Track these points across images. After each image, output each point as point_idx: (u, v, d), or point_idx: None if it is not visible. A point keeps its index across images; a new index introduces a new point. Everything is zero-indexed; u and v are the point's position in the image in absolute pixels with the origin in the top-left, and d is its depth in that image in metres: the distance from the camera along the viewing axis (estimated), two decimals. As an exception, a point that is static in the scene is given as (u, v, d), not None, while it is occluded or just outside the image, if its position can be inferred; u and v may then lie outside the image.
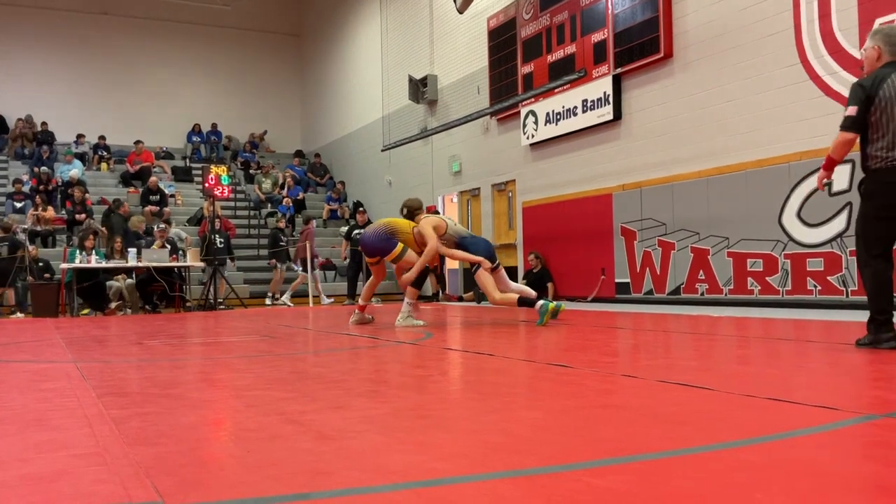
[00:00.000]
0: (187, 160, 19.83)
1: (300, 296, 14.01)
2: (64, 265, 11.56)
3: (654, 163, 10.23)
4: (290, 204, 17.04)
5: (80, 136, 18.69)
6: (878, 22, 7.61)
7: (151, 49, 20.72)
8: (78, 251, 11.58)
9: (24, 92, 19.22)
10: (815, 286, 8.16)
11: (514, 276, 11.47)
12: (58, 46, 19.83)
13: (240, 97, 21.57)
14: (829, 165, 4.17)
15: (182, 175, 18.88)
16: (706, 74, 9.46)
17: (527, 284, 9.36)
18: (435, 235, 6.75)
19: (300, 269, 13.69)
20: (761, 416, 2.34)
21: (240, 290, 13.46)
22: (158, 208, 15.43)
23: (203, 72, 21.43)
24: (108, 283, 11.86)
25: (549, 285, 11.68)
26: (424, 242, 6.81)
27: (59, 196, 15.92)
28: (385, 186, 17.28)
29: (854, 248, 7.71)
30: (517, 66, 12.69)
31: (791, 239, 8.41)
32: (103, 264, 11.43)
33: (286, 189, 17.94)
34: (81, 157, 17.89)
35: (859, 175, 7.70)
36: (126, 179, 17.68)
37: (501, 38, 13.11)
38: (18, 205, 15.48)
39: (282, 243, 14.21)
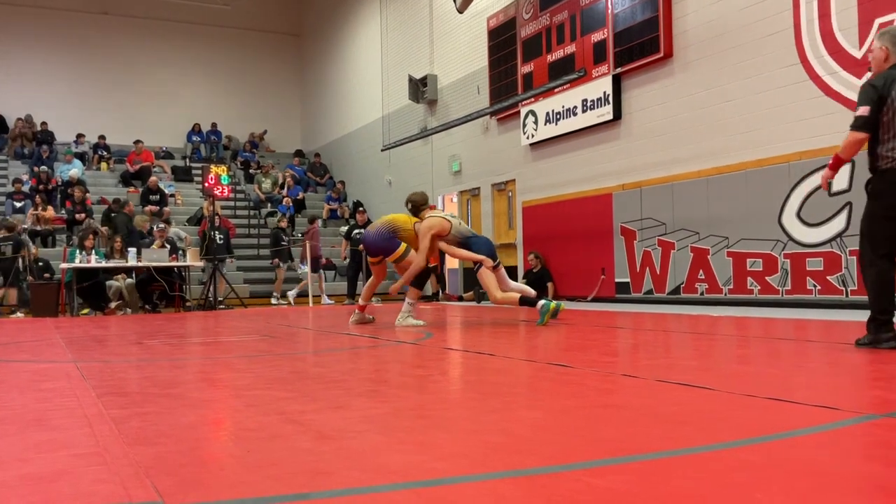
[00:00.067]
0: (187, 160, 19.83)
1: (301, 295, 14.01)
2: (64, 265, 11.56)
3: (654, 162, 10.23)
4: (290, 204, 17.04)
5: (79, 135, 18.69)
6: (877, 22, 7.62)
7: (151, 49, 20.72)
8: (78, 251, 11.58)
9: (23, 91, 19.23)
10: (815, 286, 8.16)
11: (514, 276, 11.47)
12: (58, 46, 19.83)
13: (240, 97, 21.57)
14: (837, 165, 4.14)
15: (182, 175, 18.88)
16: (706, 74, 9.46)
17: (527, 284, 9.35)
18: (428, 242, 6.76)
19: (306, 268, 13.70)
20: (761, 415, 2.34)
21: (240, 290, 13.46)
22: (158, 208, 15.43)
23: (203, 71, 21.43)
24: (108, 282, 11.86)
25: (549, 285, 11.68)
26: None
27: (58, 196, 15.92)
28: (385, 186, 17.29)
29: (853, 248, 7.72)
30: (517, 65, 12.69)
31: (791, 239, 8.41)
32: (103, 264, 11.43)
33: (286, 189, 17.94)
34: (81, 156, 17.89)
35: (859, 175, 7.71)
36: (126, 179, 17.67)
37: (501, 38, 13.11)
38: (18, 204, 15.48)
39: (283, 243, 14.22)
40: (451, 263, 14.43)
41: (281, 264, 14.07)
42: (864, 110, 3.94)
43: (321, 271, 14.17)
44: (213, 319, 9.27)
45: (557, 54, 11.80)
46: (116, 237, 12.20)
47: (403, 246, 6.88)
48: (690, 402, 2.61)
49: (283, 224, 14.75)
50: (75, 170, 16.47)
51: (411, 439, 2.09)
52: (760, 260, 8.75)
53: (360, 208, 15.52)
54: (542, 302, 6.47)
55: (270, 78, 22.06)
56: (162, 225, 13.47)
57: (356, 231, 13.66)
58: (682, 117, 9.82)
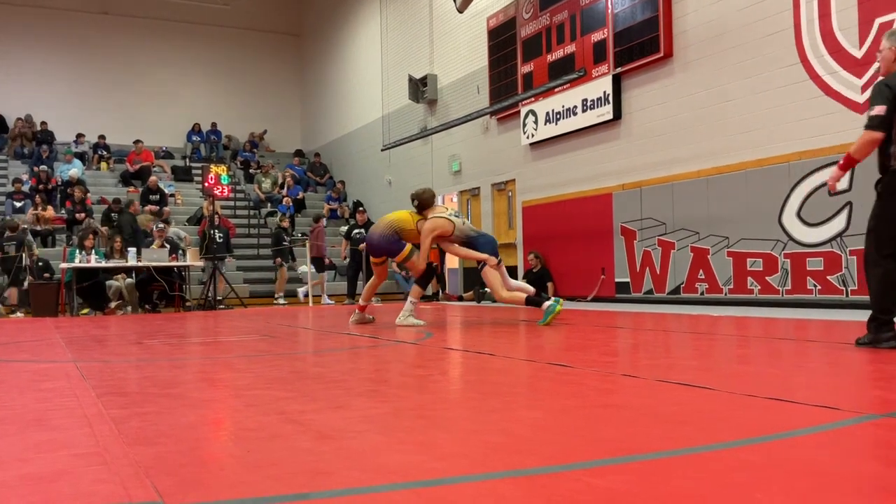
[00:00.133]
0: (187, 160, 19.83)
1: (290, 296, 14.01)
2: (64, 265, 11.56)
3: (654, 162, 10.23)
4: (290, 203, 17.04)
5: (79, 135, 18.69)
6: (878, 21, 7.61)
7: (151, 48, 20.72)
8: (77, 251, 11.58)
9: (23, 91, 19.22)
10: (815, 286, 8.16)
11: (513, 276, 11.45)
12: (58, 46, 19.83)
13: (239, 97, 21.58)
14: (848, 165, 4.08)
15: (182, 174, 18.88)
16: (706, 74, 9.46)
17: (527, 284, 9.34)
18: (429, 243, 6.75)
19: (305, 268, 13.71)
20: (762, 415, 2.34)
21: (240, 290, 13.46)
22: (158, 208, 15.43)
23: (203, 71, 21.43)
24: (108, 282, 11.86)
25: (549, 285, 11.68)
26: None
27: (58, 195, 15.92)
28: (385, 186, 17.29)
29: (854, 248, 7.72)
30: (517, 65, 12.69)
31: (791, 238, 8.41)
32: (103, 264, 11.43)
33: (286, 188, 17.94)
34: (81, 156, 17.89)
35: (860, 175, 7.71)
36: (126, 179, 17.68)
37: (501, 38, 13.11)
38: (18, 204, 15.48)
39: (285, 242, 14.22)
40: (451, 263, 14.43)
41: (283, 264, 14.07)
42: (880, 109, 3.88)
43: (325, 273, 14.18)
44: (212, 319, 9.27)
45: (557, 54, 11.80)
46: (116, 237, 12.20)
47: (409, 248, 6.88)
48: (691, 402, 2.61)
49: (286, 224, 14.76)
50: (75, 169, 16.47)
51: (411, 439, 2.09)
52: (760, 260, 8.75)
53: (360, 208, 15.51)
54: (548, 302, 6.45)
55: (270, 78, 22.06)
56: (161, 225, 13.48)
57: (356, 231, 13.66)
58: (682, 117, 9.82)
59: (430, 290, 13.58)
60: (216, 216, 13.36)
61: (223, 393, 3.16)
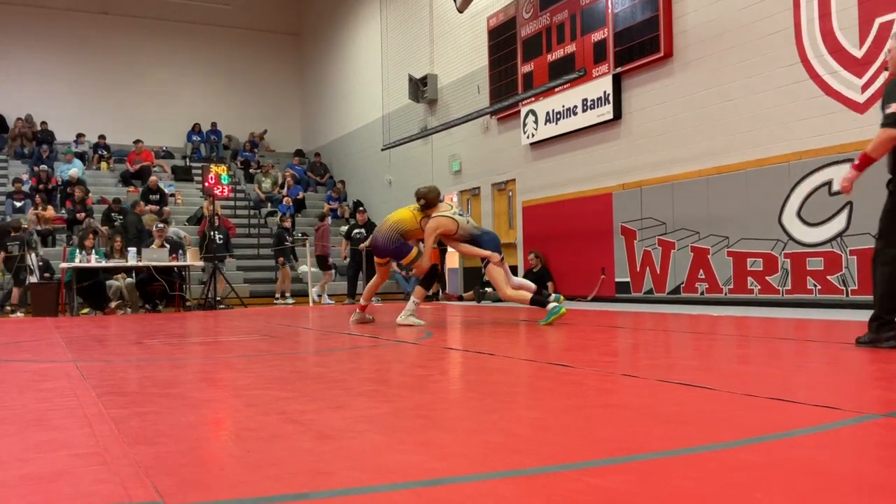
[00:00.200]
0: (187, 159, 19.83)
1: (302, 295, 14.01)
2: (64, 264, 11.56)
3: (654, 162, 10.23)
4: (290, 203, 17.04)
5: (79, 135, 18.69)
6: (878, 21, 7.61)
7: (151, 48, 20.72)
8: (78, 250, 11.58)
9: (23, 91, 19.23)
10: (815, 285, 8.16)
11: (514, 275, 11.45)
12: (58, 46, 19.83)
13: (240, 97, 21.58)
14: (864, 165, 3.99)
15: (182, 174, 18.88)
16: (706, 74, 9.46)
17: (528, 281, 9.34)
18: (432, 243, 6.74)
19: (306, 268, 13.72)
20: (762, 415, 2.33)
21: (240, 290, 13.46)
22: (158, 207, 15.44)
23: (203, 71, 21.43)
24: (108, 282, 11.86)
25: (549, 284, 11.68)
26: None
27: (58, 195, 15.93)
28: (385, 186, 17.29)
29: (854, 248, 7.72)
30: (517, 65, 12.69)
31: (791, 238, 8.41)
32: (103, 263, 11.43)
33: (286, 188, 17.94)
34: (81, 156, 17.90)
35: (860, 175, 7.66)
36: (126, 179, 17.68)
37: (501, 38, 13.11)
38: (18, 204, 15.48)
39: (288, 242, 14.22)
40: (452, 263, 14.43)
41: (286, 264, 14.07)
42: None
43: (332, 272, 14.17)
44: (212, 319, 9.27)
45: (557, 54, 11.80)
46: (116, 237, 12.20)
47: (416, 251, 6.87)
48: (691, 401, 2.61)
49: (287, 224, 14.77)
50: (75, 169, 16.48)
51: (411, 439, 2.09)
52: (761, 260, 8.75)
53: (361, 208, 15.50)
54: (552, 304, 6.43)
55: (270, 77, 22.07)
56: (161, 224, 13.48)
57: (356, 231, 13.66)
58: (683, 117, 9.82)
59: (430, 290, 13.58)
60: (216, 217, 13.36)
61: (223, 393, 3.16)
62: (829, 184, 8.00)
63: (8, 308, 12.03)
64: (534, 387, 3.18)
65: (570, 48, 11.53)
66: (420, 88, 15.21)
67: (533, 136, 12.41)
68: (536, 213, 12.52)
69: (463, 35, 14.07)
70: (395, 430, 2.23)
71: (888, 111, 3.88)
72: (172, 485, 1.65)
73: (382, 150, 16.42)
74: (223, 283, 12.89)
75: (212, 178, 12.70)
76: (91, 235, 12.13)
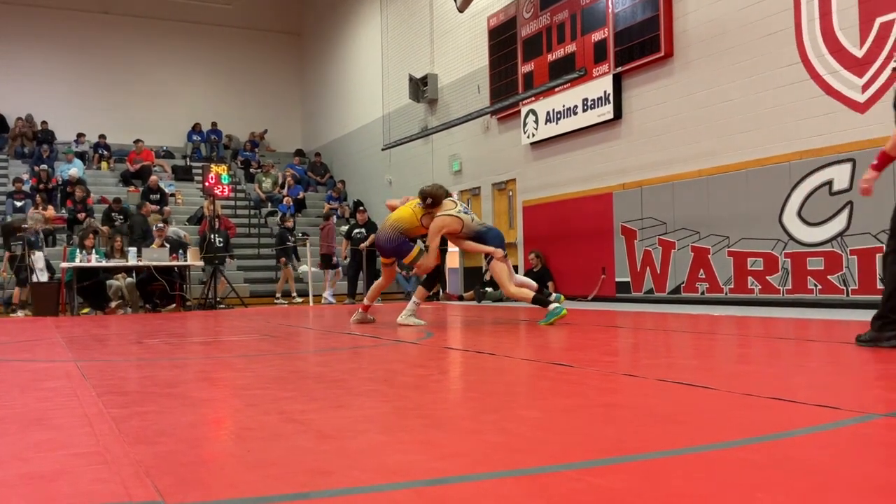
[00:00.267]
0: (187, 159, 19.84)
1: (302, 294, 14.02)
2: (64, 264, 11.57)
3: (655, 162, 10.23)
4: (291, 203, 17.05)
5: (80, 135, 18.70)
6: (878, 21, 7.61)
7: (152, 48, 20.73)
8: (78, 250, 11.58)
9: (24, 91, 19.23)
10: (816, 285, 8.16)
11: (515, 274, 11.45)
12: (58, 45, 19.84)
13: (240, 96, 21.58)
14: (883, 164, 3.91)
15: (182, 174, 18.89)
16: (706, 73, 9.46)
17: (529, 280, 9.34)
18: (437, 242, 6.72)
19: (306, 267, 13.72)
20: (762, 415, 2.33)
21: (240, 290, 13.46)
22: (159, 207, 15.45)
23: (203, 71, 21.44)
24: (109, 282, 11.87)
25: (550, 284, 11.68)
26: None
27: (59, 195, 15.93)
28: (385, 185, 17.29)
29: (854, 248, 7.72)
30: (517, 65, 12.69)
31: (791, 238, 8.41)
32: (103, 263, 11.43)
33: (286, 188, 17.94)
34: (82, 156, 17.90)
35: (859, 174, 7.69)
36: (126, 178, 17.69)
37: (502, 37, 13.11)
38: (19, 203, 15.48)
39: (290, 242, 14.22)
40: (452, 263, 14.43)
41: (288, 263, 14.06)
42: None
43: (339, 269, 14.17)
44: (213, 319, 9.27)
45: (558, 53, 11.80)
46: (117, 236, 12.20)
47: (417, 249, 6.85)
48: (691, 401, 2.61)
49: (290, 224, 14.77)
50: (75, 169, 16.48)
51: (412, 439, 2.09)
52: (761, 259, 8.74)
53: (361, 207, 15.51)
54: (555, 305, 6.41)
55: (271, 77, 22.07)
56: (161, 224, 13.49)
57: (356, 230, 13.66)
58: (683, 116, 9.81)
59: (431, 290, 13.58)
60: (216, 219, 13.36)
61: (223, 392, 3.16)
62: (829, 183, 8.00)
63: (10, 307, 12.03)
64: (534, 386, 3.17)
65: (571, 48, 11.53)
66: (420, 88, 15.21)
67: (533, 135, 12.41)
68: (537, 213, 12.52)
69: (463, 35, 14.07)
70: (395, 430, 2.23)
71: None
72: (173, 484, 1.65)
73: (383, 149, 16.42)
74: (223, 283, 12.89)
75: (212, 178, 12.70)
76: (91, 235, 12.13)
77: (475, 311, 9.35)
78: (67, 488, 1.64)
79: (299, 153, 20.93)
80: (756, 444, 1.94)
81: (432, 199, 6.76)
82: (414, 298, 6.89)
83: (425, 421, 2.36)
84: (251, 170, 19.31)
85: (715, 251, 9.31)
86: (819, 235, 8.12)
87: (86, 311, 11.73)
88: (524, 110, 12.57)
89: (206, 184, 13.07)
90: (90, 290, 11.66)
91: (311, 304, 13.24)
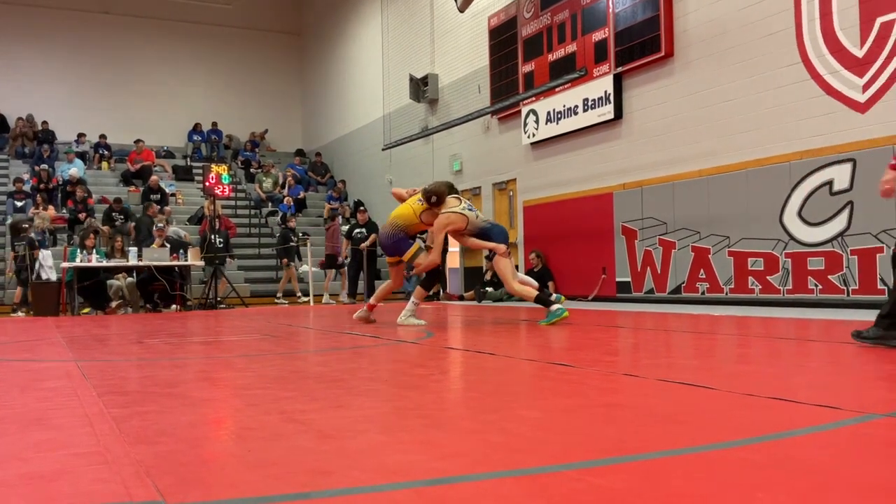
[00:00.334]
0: (188, 159, 19.84)
1: (305, 294, 14.02)
2: (65, 264, 11.57)
3: (655, 162, 10.23)
4: (291, 203, 17.05)
5: (80, 135, 18.70)
6: (879, 21, 7.61)
7: (152, 48, 20.73)
8: (79, 250, 11.59)
9: (24, 91, 19.24)
10: (816, 285, 8.16)
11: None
12: (59, 45, 19.85)
13: (240, 96, 21.58)
14: None
15: (183, 174, 18.89)
16: (707, 73, 9.46)
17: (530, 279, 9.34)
18: (442, 238, 6.69)
19: (306, 267, 13.73)
20: (763, 415, 2.33)
21: (241, 289, 13.46)
22: (160, 207, 15.44)
23: (204, 71, 21.44)
24: (109, 281, 11.87)
25: (550, 284, 11.68)
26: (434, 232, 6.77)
27: (59, 195, 15.93)
28: (386, 185, 17.26)
29: (855, 248, 7.72)
30: (518, 64, 12.69)
31: (792, 238, 8.40)
32: (104, 263, 11.43)
33: (287, 188, 17.94)
34: (82, 155, 17.91)
35: (861, 174, 7.70)
36: (127, 178, 17.69)
37: (502, 37, 13.11)
38: (19, 203, 15.49)
39: (293, 242, 14.22)
40: (452, 263, 14.43)
41: (290, 264, 14.07)
42: None
43: (345, 269, 14.17)
44: (213, 319, 9.27)
45: (558, 53, 11.80)
46: (117, 236, 12.21)
47: (416, 246, 6.83)
48: (692, 401, 2.61)
49: (293, 224, 14.78)
50: (75, 169, 16.48)
51: (412, 439, 2.09)
52: (761, 259, 8.74)
53: (361, 207, 15.51)
54: (557, 306, 6.40)
55: (271, 77, 22.07)
56: (161, 224, 13.50)
57: (357, 230, 13.67)
58: (683, 116, 9.81)
59: (430, 290, 13.58)
60: (216, 219, 13.36)
61: (224, 392, 3.16)
62: (829, 183, 8.00)
63: (12, 307, 12.04)
64: (534, 386, 3.17)
65: (571, 48, 11.53)
66: (421, 88, 15.21)
67: (534, 135, 12.41)
68: (537, 213, 12.52)
69: (464, 35, 14.08)
70: (395, 430, 2.23)
71: None
72: (173, 484, 1.65)
73: (383, 149, 16.42)
74: (224, 283, 12.89)
75: (212, 178, 12.70)
76: (92, 235, 12.14)
77: (475, 311, 9.35)
78: (68, 488, 1.64)
79: (300, 153, 20.93)
80: (756, 444, 1.94)
81: (436, 196, 6.70)
82: (413, 298, 6.87)
83: (425, 421, 2.36)
84: (252, 170, 19.31)
85: (715, 251, 9.31)
86: (819, 235, 8.11)
87: (86, 310, 11.73)
88: (525, 110, 12.57)
89: (207, 184, 13.08)
90: (91, 289, 11.66)
91: (311, 303, 13.24)
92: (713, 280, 9.34)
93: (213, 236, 12.93)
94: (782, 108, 8.54)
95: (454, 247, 13.93)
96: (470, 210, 6.79)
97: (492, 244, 6.72)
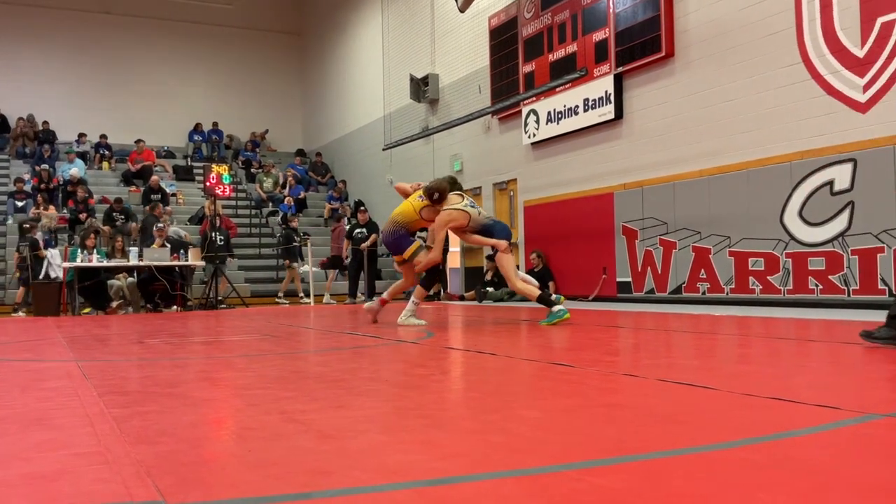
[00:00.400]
0: (189, 159, 19.85)
1: (306, 294, 14.02)
2: (65, 264, 11.58)
3: (656, 162, 10.23)
4: (292, 203, 17.05)
5: (81, 135, 18.71)
6: (879, 21, 7.60)
7: (153, 48, 20.74)
8: (79, 250, 11.59)
9: (25, 91, 19.25)
10: (817, 285, 8.15)
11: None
12: (59, 45, 19.86)
13: (241, 96, 21.59)
14: None
15: (183, 174, 18.90)
16: (707, 73, 9.45)
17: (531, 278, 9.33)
18: (443, 236, 6.67)
19: (307, 267, 13.74)
20: (763, 415, 2.33)
21: (241, 290, 13.46)
22: (161, 207, 15.44)
23: (204, 71, 21.45)
24: (110, 282, 11.88)
25: (551, 284, 11.68)
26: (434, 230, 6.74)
27: (60, 195, 15.94)
28: (386, 185, 17.26)
29: (855, 248, 7.71)
30: (518, 65, 12.69)
31: (792, 238, 8.40)
32: (104, 263, 11.44)
33: (288, 188, 17.94)
34: (83, 155, 17.92)
35: (861, 174, 7.70)
36: (127, 178, 17.70)
37: (503, 37, 13.11)
38: (20, 204, 15.50)
39: (295, 242, 14.23)
40: (453, 263, 14.43)
41: (293, 264, 14.07)
42: None
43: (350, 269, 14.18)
44: (214, 319, 9.27)
45: (559, 53, 11.79)
46: (118, 236, 12.22)
47: (417, 244, 6.81)
48: (692, 401, 2.61)
49: (295, 224, 14.78)
50: (76, 169, 16.50)
51: (412, 439, 2.09)
52: (762, 259, 8.74)
53: (362, 207, 15.51)
54: (559, 307, 6.39)
55: (272, 77, 22.08)
56: (161, 224, 13.50)
57: (357, 230, 13.67)
58: (684, 116, 9.81)
59: (430, 290, 13.58)
60: (217, 218, 13.37)
61: (224, 392, 3.16)
62: (830, 184, 7.99)
63: (14, 307, 12.05)
64: (535, 386, 3.17)
65: (572, 48, 11.53)
66: (421, 88, 15.22)
67: (534, 135, 12.41)
68: (538, 213, 12.52)
69: (464, 35, 14.07)
70: (396, 430, 2.23)
71: None
72: (174, 484, 1.65)
73: (384, 149, 16.42)
74: (224, 283, 12.89)
75: (213, 178, 12.71)
76: (92, 235, 12.15)
77: (476, 311, 9.35)
78: (68, 488, 1.64)
79: (300, 153, 20.94)
80: (757, 444, 1.94)
81: (438, 193, 6.66)
82: (413, 298, 6.86)
83: (426, 421, 2.36)
84: (252, 170, 19.32)
85: (716, 251, 9.31)
86: (820, 235, 8.11)
87: (87, 310, 11.73)
88: (525, 110, 12.57)
89: (208, 184, 13.09)
90: (91, 289, 11.66)
91: (311, 303, 13.24)
92: (714, 280, 9.33)
93: (213, 233, 12.92)
94: (783, 108, 8.53)
95: (455, 247, 13.94)
96: (472, 207, 6.76)
97: (493, 241, 6.71)
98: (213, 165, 13.22)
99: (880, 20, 7.59)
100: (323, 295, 13.87)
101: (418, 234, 7.09)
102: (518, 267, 12.66)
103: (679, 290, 9.81)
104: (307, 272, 13.83)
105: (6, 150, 18.56)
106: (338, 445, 2.01)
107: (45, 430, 2.31)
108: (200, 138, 20.41)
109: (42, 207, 14.92)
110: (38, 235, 12.73)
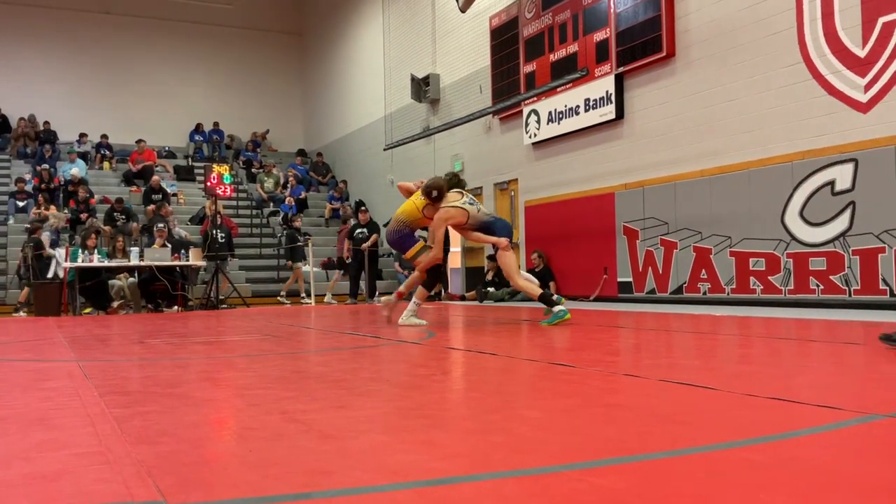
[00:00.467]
0: (189, 159, 19.85)
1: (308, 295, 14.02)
2: (66, 264, 11.58)
3: (657, 162, 10.23)
4: (293, 203, 17.06)
5: (82, 135, 18.73)
6: (881, 21, 7.60)
7: (153, 48, 20.75)
8: (80, 250, 11.60)
9: (26, 91, 19.26)
10: (818, 285, 8.15)
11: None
12: (60, 45, 19.87)
13: (242, 96, 21.60)
14: None
15: (184, 174, 18.91)
16: (708, 73, 9.45)
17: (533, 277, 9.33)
18: (442, 234, 6.65)
19: (308, 267, 13.74)
20: (764, 415, 2.33)
21: (242, 290, 13.46)
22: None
23: (205, 71, 21.46)
24: (111, 282, 11.88)
25: (552, 284, 11.68)
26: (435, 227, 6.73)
27: (61, 195, 15.95)
28: (387, 185, 17.29)
29: (856, 248, 7.71)
30: (519, 65, 12.69)
31: (793, 238, 8.40)
32: (105, 263, 11.45)
33: (288, 188, 17.95)
34: (84, 156, 17.93)
35: (862, 174, 7.69)
36: (128, 178, 17.71)
37: (503, 37, 13.11)
38: (21, 204, 15.51)
39: (299, 242, 14.23)
40: (454, 263, 14.43)
41: (298, 264, 14.07)
42: None
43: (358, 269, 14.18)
44: (215, 319, 9.27)
45: (560, 53, 11.79)
46: (119, 236, 12.22)
47: (420, 244, 6.80)
48: (693, 401, 2.61)
49: (298, 224, 14.78)
50: (76, 169, 16.51)
51: (413, 439, 2.09)
52: (763, 259, 8.74)
53: (363, 207, 15.51)
54: (560, 308, 6.39)
55: (273, 77, 22.09)
56: (161, 224, 13.51)
57: (358, 230, 13.67)
58: (685, 116, 9.81)
59: (432, 291, 13.57)
60: (218, 216, 13.38)
61: (225, 392, 3.16)
62: (831, 184, 7.99)
63: (15, 307, 12.06)
64: (536, 386, 3.17)
65: (573, 48, 11.53)
66: (422, 88, 15.22)
67: (535, 135, 12.40)
68: (539, 213, 12.52)
69: (465, 35, 14.07)
70: (397, 430, 2.23)
71: None
72: (174, 484, 1.65)
73: (385, 149, 16.42)
74: (225, 283, 12.90)
75: (214, 178, 12.71)
76: (94, 235, 12.15)
77: (477, 312, 9.35)
78: (69, 488, 1.64)
79: (301, 153, 20.94)
80: (758, 444, 1.94)
81: (436, 191, 6.65)
82: (414, 299, 6.86)
83: (427, 421, 2.36)
84: (253, 170, 19.33)
85: (717, 251, 9.31)
86: (821, 236, 8.11)
87: (88, 311, 11.74)
88: (526, 110, 12.57)
89: (208, 184, 13.09)
90: (92, 290, 11.67)
91: (312, 304, 13.24)
92: (715, 280, 9.33)
93: (215, 231, 12.93)
94: (784, 108, 8.53)
95: (456, 247, 13.94)
96: (471, 204, 6.74)
97: (493, 238, 6.70)
98: (214, 165, 13.22)
99: (882, 20, 7.59)
100: (324, 295, 13.87)
101: (418, 232, 7.09)
102: (519, 267, 12.69)
103: (680, 291, 9.81)
104: (308, 272, 13.84)
105: (7, 151, 18.58)
106: (339, 445, 2.01)
107: (46, 429, 2.31)
108: (201, 138, 20.42)
109: (43, 207, 14.93)
110: (45, 236, 12.74)
